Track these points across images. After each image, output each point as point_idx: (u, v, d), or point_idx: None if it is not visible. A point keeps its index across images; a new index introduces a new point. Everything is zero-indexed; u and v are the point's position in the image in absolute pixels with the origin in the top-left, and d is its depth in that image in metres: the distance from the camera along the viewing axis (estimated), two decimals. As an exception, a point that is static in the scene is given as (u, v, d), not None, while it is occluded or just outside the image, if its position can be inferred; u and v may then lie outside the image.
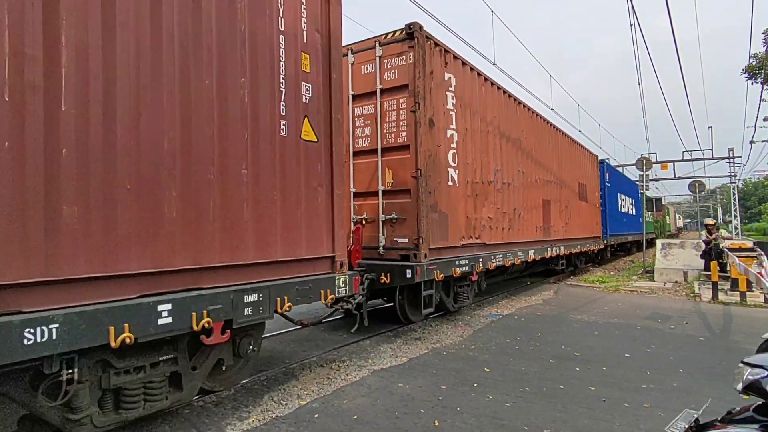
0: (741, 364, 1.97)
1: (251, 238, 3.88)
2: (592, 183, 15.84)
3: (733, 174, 32.20)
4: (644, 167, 16.75)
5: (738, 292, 10.00)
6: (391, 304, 7.81)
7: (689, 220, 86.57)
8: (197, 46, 3.53)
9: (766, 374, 1.82)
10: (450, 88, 7.11)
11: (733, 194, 34.20)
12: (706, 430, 1.93)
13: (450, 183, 7.06)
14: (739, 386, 1.90)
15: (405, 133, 6.46)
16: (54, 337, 2.63)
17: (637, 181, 21.03)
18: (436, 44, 6.81)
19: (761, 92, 22.88)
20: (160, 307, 3.15)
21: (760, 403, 1.87)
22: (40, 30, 2.68)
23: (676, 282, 12.97)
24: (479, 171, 7.91)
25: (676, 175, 31.94)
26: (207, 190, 3.55)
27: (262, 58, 4.04)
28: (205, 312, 3.42)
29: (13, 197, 2.56)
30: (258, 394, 4.43)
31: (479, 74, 8.06)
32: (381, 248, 6.65)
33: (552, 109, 16.23)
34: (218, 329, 3.54)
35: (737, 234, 29.69)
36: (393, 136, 6.59)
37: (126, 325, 2.95)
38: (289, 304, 4.12)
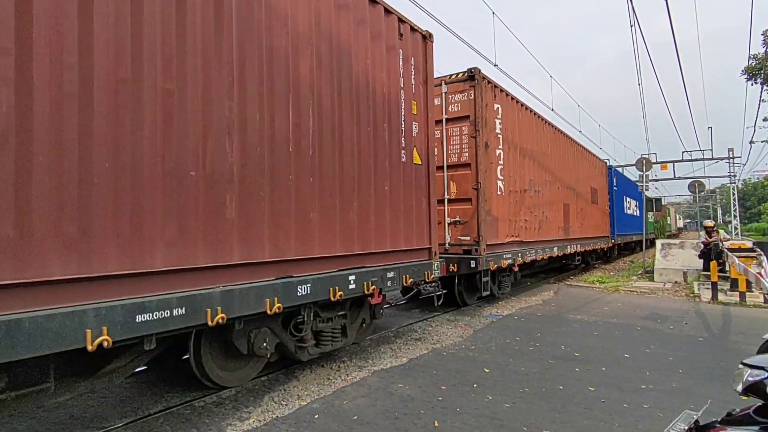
0: (741, 365, 1.93)
1: (388, 232, 5.63)
2: (602, 187, 17.58)
3: (732, 174, 32.26)
4: (644, 168, 17.01)
5: (737, 293, 9.97)
6: (445, 291, 9.57)
7: (689, 221, 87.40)
8: (368, 106, 5.32)
9: (766, 375, 1.79)
10: (498, 116, 8.87)
11: (733, 194, 34.58)
12: None
13: (498, 192, 8.81)
14: (739, 387, 1.86)
15: (467, 154, 8.23)
16: (308, 292, 4.39)
17: (637, 181, 21.35)
18: (489, 82, 8.57)
19: (761, 92, 23.43)
20: (350, 278, 4.91)
21: (761, 404, 1.84)
22: (306, 109, 4.46)
23: (676, 282, 13.04)
24: (518, 181, 9.67)
25: (676, 176, 32.05)
26: (368, 201, 5.30)
27: (393, 108, 5.80)
28: (370, 282, 5.17)
29: (291, 212, 4.32)
30: (258, 395, 4.49)
31: (517, 101, 9.82)
32: (447, 244, 8.39)
33: (552, 109, 16.85)
34: (377, 294, 5.30)
35: (737, 234, 30.19)
36: (456, 155, 8.35)
37: (337, 287, 4.70)
38: (411, 280, 5.87)
